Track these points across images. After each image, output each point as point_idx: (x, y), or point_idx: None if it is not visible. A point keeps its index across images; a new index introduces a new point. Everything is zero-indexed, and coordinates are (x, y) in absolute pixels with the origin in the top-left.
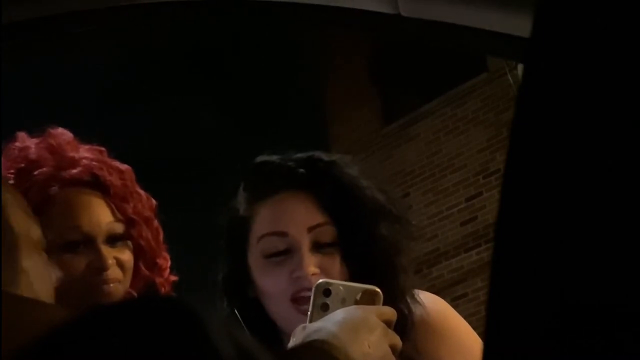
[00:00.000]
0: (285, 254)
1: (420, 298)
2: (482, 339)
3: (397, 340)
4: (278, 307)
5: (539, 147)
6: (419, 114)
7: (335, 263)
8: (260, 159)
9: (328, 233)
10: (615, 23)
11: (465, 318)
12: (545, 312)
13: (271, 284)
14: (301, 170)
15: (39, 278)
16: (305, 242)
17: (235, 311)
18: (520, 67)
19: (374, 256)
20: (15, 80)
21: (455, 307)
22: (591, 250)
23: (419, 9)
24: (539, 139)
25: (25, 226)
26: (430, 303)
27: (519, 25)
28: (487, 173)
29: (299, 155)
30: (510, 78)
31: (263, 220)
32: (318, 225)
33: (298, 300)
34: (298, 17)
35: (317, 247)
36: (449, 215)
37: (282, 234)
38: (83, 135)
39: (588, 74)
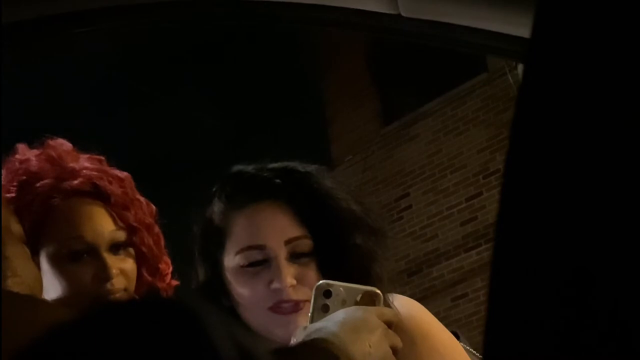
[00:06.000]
0: (262, 264)
1: (394, 304)
2: (481, 339)
3: (398, 341)
4: (255, 315)
5: (539, 147)
6: (419, 114)
7: (312, 273)
8: (235, 168)
9: (304, 244)
10: (615, 23)
11: (465, 318)
12: (545, 312)
13: (248, 294)
14: (277, 180)
15: (23, 264)
16: (282, 253)
17: None
18: (520, 67)
19: (348, 266)
20: (14, 80)
21: (455, 307)
22: (591, 250)
23: (419, 9)
24: (538, 139)
25: (7, 220)
26: (404, 307)
27: (519, 25)
28: (487, 173)
29: (275, 165)
30: (510, 78)
31: (240, 232)
32: (295, 239)
33: (276, 310)
34: (298, 17)
35: (294, 257)
36: (449, 215)
37: (260, 247)
38: (82, 137)
39: (588, 73)
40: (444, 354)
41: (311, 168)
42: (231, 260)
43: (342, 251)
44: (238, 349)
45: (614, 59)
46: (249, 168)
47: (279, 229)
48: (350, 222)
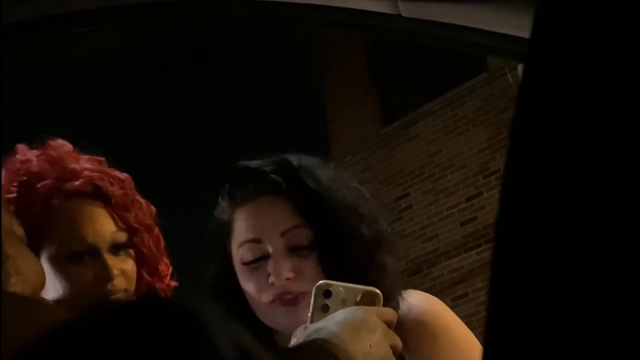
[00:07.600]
0: (262, 259)
1: (412, 297)
2: (481, 339)
3: (398, 341)
4: (261, 308)
5: (539, 147)
6: (419, 114)
7: (311, 265)
8: (239, 164)
9: (303, 236)
10: (615, 23)
11: (465, 318)
12: (545, 313)
13: (251, 289)
14: (273, 175)
15: (26, 262)
16: (279, 246)
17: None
18: (520, 67)
19: (348, 256)
20: (14, 80)
21: (455, 307)
22: (591, 250)
23: (419, 9)
24: (538, 139)
25: (8, 222)
26: (423, 302)
27: (519, 25)
28: (487, 173)
29: (272, 159)
30: (510, 78)
31: (240, 227)
32: (291, 229)
33: (278, 302)
34: (298, 17)
35: (293, 250)
36: (449, 215)
37: (257, 241)
38: (82, 137)
39: (588, 73)
40: (463, 348)
41: (306, 160)
42: (236, 255)
43: (341, 241)
44: (238, 349)
45: (614, 59)
46: (251, 163)
47: (274, 222)
48: (346, 212)
